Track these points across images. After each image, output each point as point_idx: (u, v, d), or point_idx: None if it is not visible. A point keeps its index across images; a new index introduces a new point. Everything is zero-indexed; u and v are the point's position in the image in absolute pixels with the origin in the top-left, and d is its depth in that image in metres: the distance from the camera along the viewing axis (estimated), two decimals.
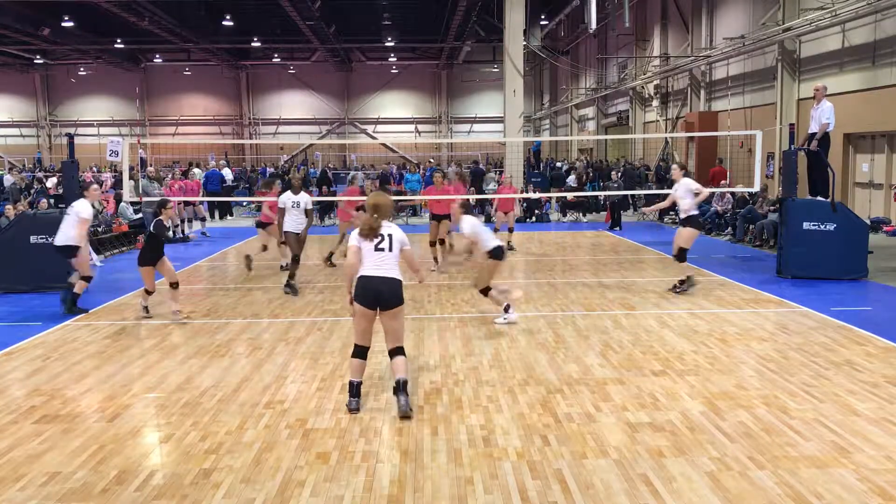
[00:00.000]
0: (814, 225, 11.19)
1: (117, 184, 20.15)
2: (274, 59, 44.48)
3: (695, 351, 7.42)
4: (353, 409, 5.76)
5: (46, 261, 10.88)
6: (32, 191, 22.04)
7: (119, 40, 37.50)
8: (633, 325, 8.54)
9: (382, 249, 5.73)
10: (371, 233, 5.71)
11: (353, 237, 5.86)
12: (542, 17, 31.72)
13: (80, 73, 45.83)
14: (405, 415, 5.62)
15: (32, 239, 10.90)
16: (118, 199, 17.02)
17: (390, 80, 48.35)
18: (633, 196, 22.61)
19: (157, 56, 44.34)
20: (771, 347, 7.51)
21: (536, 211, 21.53)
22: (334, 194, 22.99)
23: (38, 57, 41.73)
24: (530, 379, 6.58)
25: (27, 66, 44.67)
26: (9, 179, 24.46)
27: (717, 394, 6.12)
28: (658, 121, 29.29)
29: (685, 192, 10.31)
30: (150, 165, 22.03)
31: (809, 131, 12.01)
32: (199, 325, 8.83)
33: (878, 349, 7.39)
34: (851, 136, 17.60)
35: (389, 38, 38.22)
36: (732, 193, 17.58)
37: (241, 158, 43.52)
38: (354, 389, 5.84)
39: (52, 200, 15.93)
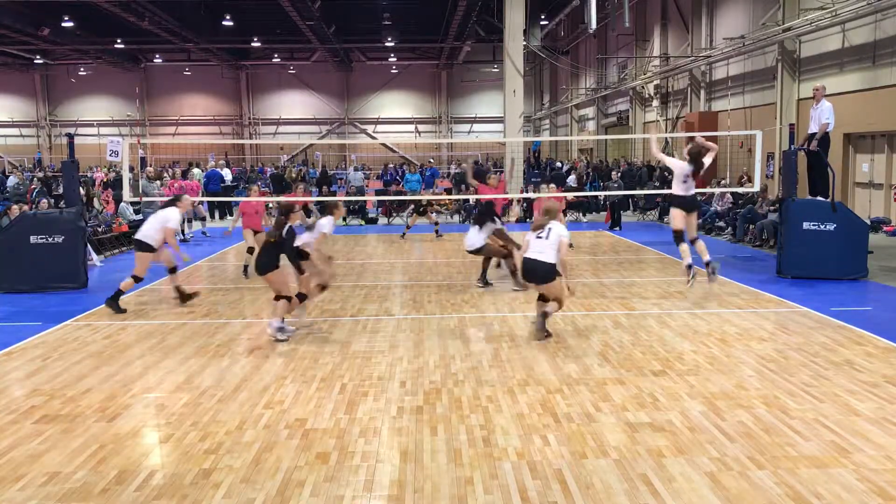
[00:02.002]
0: (814, 225, 11.19)
1: (116, 184, 20.16)
2: (274, 59, 44.49)
3: (695, 351, 7.42)
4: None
5: (46, 261, 10.91)
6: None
7: (119, 40, 37.48)
8: (633, 325, 8.54)
9: (541, 238, 7.75)
10: (539, 228, 7.83)
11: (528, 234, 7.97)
12: (542, 17, 31.69)
13: (80, 73, 45.83)
14: (538, 333, 7.88)
15: (32, 239, 10.91)
16: (118, 200, 17.03)
17: (390, 80, 48.34)
18: (633, 196, 22.61)
19: (157, 56, 44.32)
20: (771, 347, 7.51)
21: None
22: (334, 194, 23.00)
23: (38, 57, 41.73)
24: (530, 379, 6.58)
25: (27, 66, 44.67)
26: (12, 180, 24.46)
27: (717, 394, 6.12)
28: (658, 121, 29.29)
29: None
30: (150, 165, 22.03)
31: (809, 131, 12.02)
32: (199, 325, 8.83)
33: (878, 349, 7.39)
34: (851, 136, 17.61)
35: (389, 38, 38.21)
36: (732, 193, 17.59)
37: (241, 158, 43.51)
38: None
39: (52, 200, 15.93)
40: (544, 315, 7.89)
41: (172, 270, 10.21)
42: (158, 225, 9.71)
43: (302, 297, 8.49)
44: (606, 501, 4.32)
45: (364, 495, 4.43)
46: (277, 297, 8.00)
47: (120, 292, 9.55)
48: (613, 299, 10.05)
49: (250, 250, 12.31)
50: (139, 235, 9.80)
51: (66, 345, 7.97)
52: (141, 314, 9.48)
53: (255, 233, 12.43)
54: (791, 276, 11.26)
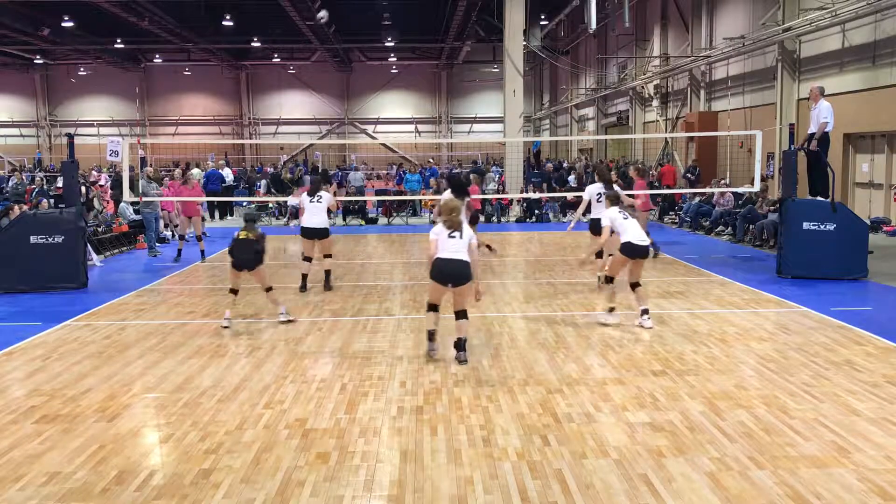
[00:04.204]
0: (814, 225, 11.18)
1: (115, 184, 20.15)
2: (274, 59, 44.46)
3: (695, 351, 7.42)
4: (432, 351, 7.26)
5: (46, 261, 10.91)
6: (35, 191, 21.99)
7: (119, 40, 37.49)
8: (633, 325, 8.54)
9: (454, 238, 7.07)
10: (454, 227, 7.10)
11: (433, 231, 7.29)
12: (542, 17, 31.71)
13: (80, 73, 45.81)
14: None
15: (32, 239, 10.91)
16: (117, 200, 17.02)
17: (390, 80, 48.33)
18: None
19: (157, 56, 44.32)
20: (771, 347, 7.51)
21: (536, 211, 21.53)
22: (335, 194, 23.03)
23: (38, 57, 41.72)
24: (530, 379, 6.58)
25: (27, 66, 44.67)
26: (12, 180, 24.44)
27: (717, 394, 6.12)
28: (658, 121, 29.29)
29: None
30: (150, 165, 22.01)
31: (809, 131, 12.01)
32: (199, 325, 8.83)
33: (878, 349, 7.39)
34: (851, 136, 17.60)
35: (389, 38, 38.21)
36: (734, 193, 17.61)
37: (240, 158, 43.50)
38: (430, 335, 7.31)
39: (52, 201, 15.92)
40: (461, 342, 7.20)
41: (328, 256, 11.07)
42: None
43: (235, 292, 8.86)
44: (606, 501, 4.32)
45: (364, 495, 4.43)
46: (269, 289, 8.79)
47: None
48: None
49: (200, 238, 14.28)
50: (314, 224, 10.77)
51: (66, 345, 7.97)
52: (141, 314, 9.48)
53: (191, 218, 14.33)
54: (791, 276, 11.26)
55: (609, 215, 8.62)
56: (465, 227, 7.24)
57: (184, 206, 14.33)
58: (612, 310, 8.62)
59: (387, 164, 38.06)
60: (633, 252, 8.31)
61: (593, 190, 10.86)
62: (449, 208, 7.27)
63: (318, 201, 10.77)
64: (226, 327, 8.54)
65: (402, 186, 24.68)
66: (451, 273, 7.07)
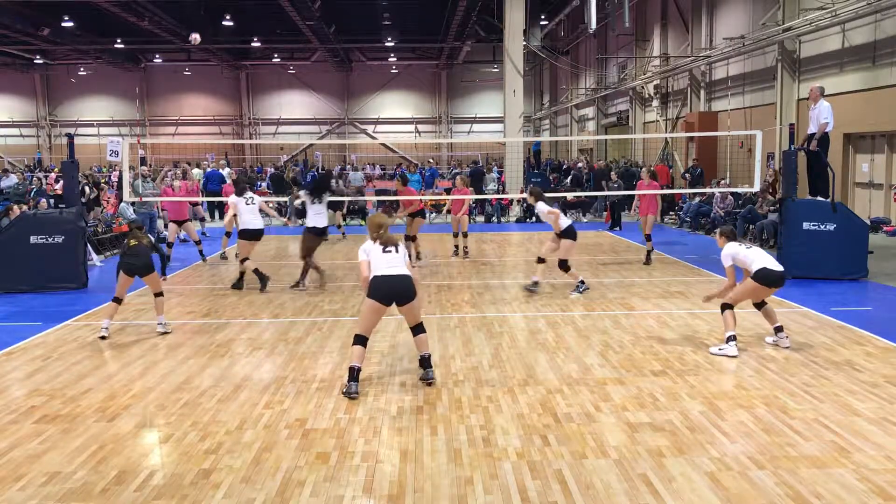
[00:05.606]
0: (814, 225, 11.18)
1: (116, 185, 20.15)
2: (274, 59, 44.47)
3: (695, 351, 7.42)
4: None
5: (46, 261, 10.91)
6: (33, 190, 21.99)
7: (119, 40, 37.49)
8: (633, 325, 8.54)
9: (390, 252, 6.42)
10: (387, 242, 6.46)
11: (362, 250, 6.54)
12: (542, 17, 31.71)
13: (80, 73, 45.81)
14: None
15: (32, 239, 10.92)
16: (119, 199, 17.04)
17: (390, 80, 48.34)
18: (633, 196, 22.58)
19: (157, 56, 44.33)
20: (771, 347, 7.51)
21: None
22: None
23: (38, 57, 41.72)
24: (530, 379, 6.58)
25: (27, 66, 44.66)
26: (12, 180, 24.45)
27: (717, 394, 6.12)
28: (658, 121, 29.28)
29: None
30: (146, 165, 21.99)
31: (808, 131, 12.01)
32: (199, 325, 8.83)
33: (878, 349, 7.39)
34: (851, 136, 17.60)
35: (389, 38, 38.22)
36: (733, 194, 17.62)
37: (241, 158, 43.49)
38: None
39: (52, 201, 15.93)
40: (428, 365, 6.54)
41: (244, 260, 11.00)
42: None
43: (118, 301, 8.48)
44: (606, 501, 4.32)
45: (364, 495, 4.43)
46: (158, 294, 8.53)
47: None
48: (613, 299, 10.05)
49: (199, 243, 14.07)
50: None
51: (66, 345, 7.97)
52: (141, 314, 9.48)
53: (180, 224, 13.93)
54: (791, 276, 11.21)
55: (729, 253, 7.61)
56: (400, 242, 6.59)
57: (171, 212, 13.96)
58: (732, 338, 7.36)
59: (370, 164, 38.09)
60: (769, 280, 7.39)
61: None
62: (376, 224, 6.53)
63: (251, 202, 10.84)
64: (103, 338, 8.10)
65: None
66: (394, 291, 6.30)
